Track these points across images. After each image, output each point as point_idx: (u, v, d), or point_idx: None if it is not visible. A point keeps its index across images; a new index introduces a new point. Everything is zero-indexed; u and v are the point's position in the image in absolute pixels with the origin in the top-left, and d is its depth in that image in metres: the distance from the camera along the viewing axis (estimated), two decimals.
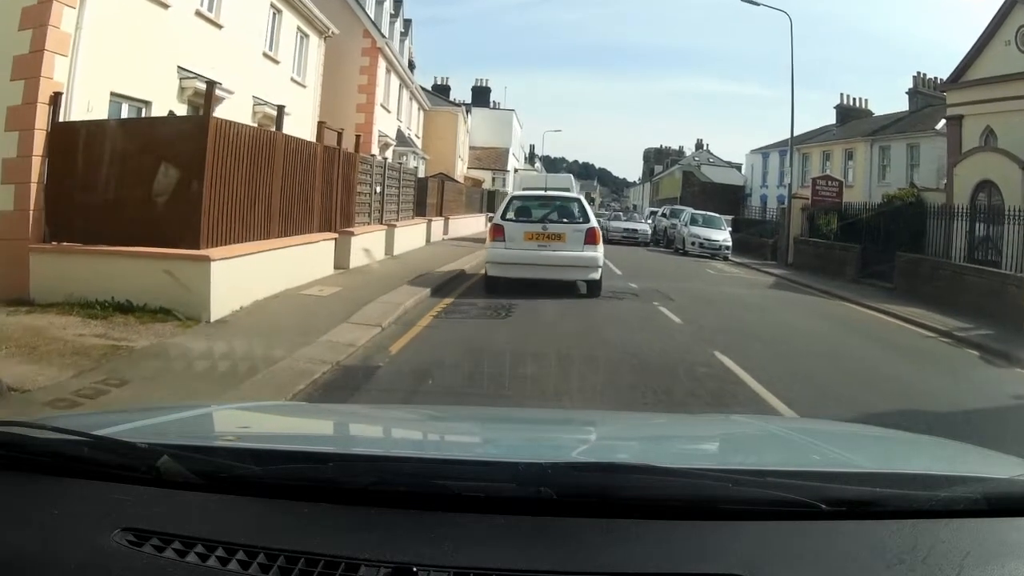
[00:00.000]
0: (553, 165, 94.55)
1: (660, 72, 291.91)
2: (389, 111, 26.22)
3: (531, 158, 72.64)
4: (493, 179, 46.80)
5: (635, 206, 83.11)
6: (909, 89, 35.64)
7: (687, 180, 52.37)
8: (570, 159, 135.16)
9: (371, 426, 2.20)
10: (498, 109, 50.90)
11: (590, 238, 11.40)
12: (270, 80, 16.59)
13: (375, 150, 22.76)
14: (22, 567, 1.07)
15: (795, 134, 29.77)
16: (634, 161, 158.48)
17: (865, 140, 34.65)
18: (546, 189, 16.29)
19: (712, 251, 25.56)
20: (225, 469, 1.24)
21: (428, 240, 20.24)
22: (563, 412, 4.01)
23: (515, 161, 55.89)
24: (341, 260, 12.24)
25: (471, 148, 47.77)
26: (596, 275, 11.43)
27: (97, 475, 1.26)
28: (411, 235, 17.80)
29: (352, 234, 12.62)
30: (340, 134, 12.55)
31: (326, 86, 20.56)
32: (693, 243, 26.14)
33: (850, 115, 40.34)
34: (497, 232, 11.51)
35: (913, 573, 1.10)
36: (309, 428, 2.06)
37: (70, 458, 1.28)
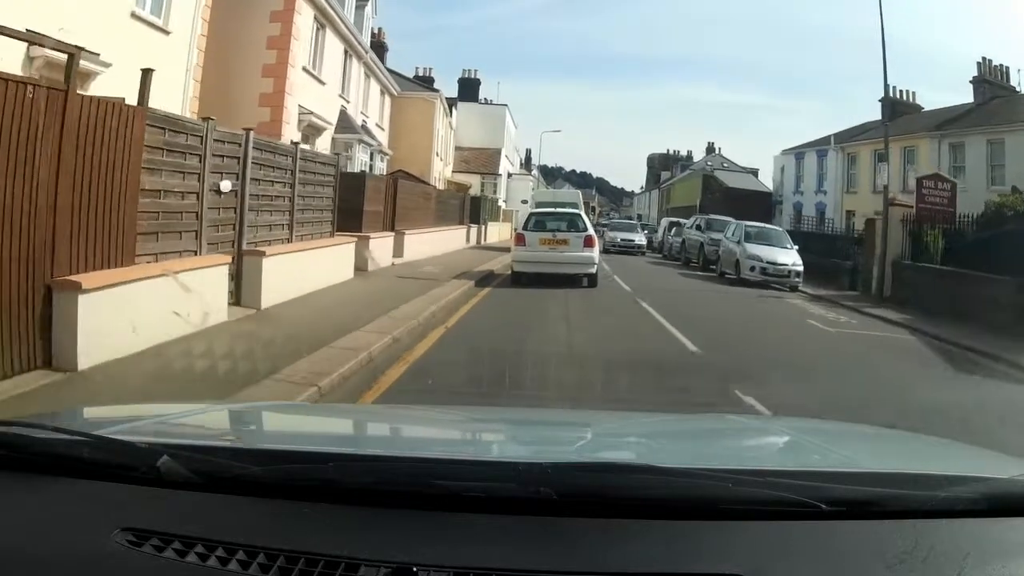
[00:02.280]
0: (551, 174, 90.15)
1: (657, 81, 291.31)
2: (323, 82, 18.92)
3: (527, 163, 64.86)
4: (483, 184, 39.72)
5: (640, 216, 75.42)
6: (974, 77, 31.16)
7: (707, 185, 45.62)
8: (567, 168, 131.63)
9: (371, 426, 2.20)
10: (489, 104, 42.74)
11: (587, 242, 15.84)
12: (80, 10, 10.80)
13: (292, 133, 15.11)
14: (22, 567, 1.12)
15: (832, 131, 22.41)
16: (631, 170, 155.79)
17: (931, 136, 30.30)
18: (555, 206, 20.96)
19: (779, 279, 20.14)
20: (225, 469, 1.30)
21: (364, 266, 14.76)
22: (563, 412, 3.90)
23: (508, 165, 48.98)
24: (61, 350, 5.70)
25: (457, 149, 41.18)
26: (593, 270, 15.88)
27: (97, 475, 1.32)
28: (313, 266, 11.59)
29: (78, 290, 5.84)
30: (73, 56, 6.20)
31: (216, 38, 12.80)
32: (752, 267, 20.37)
33: (898, 109, 34.65)
34: (520, 239, 16.12)
35: (914, 573, 1.13)
36: (309, 428, 2.06)
37: (70, 458, 1.34)
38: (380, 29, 32.09)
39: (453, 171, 43.38)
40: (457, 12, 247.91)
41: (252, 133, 9.76)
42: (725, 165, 60.94)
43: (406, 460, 1.43)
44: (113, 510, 1.21)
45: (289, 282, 10.19)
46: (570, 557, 1.14)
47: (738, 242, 21.18)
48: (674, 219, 36.65)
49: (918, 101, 37.27)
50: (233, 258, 8.88)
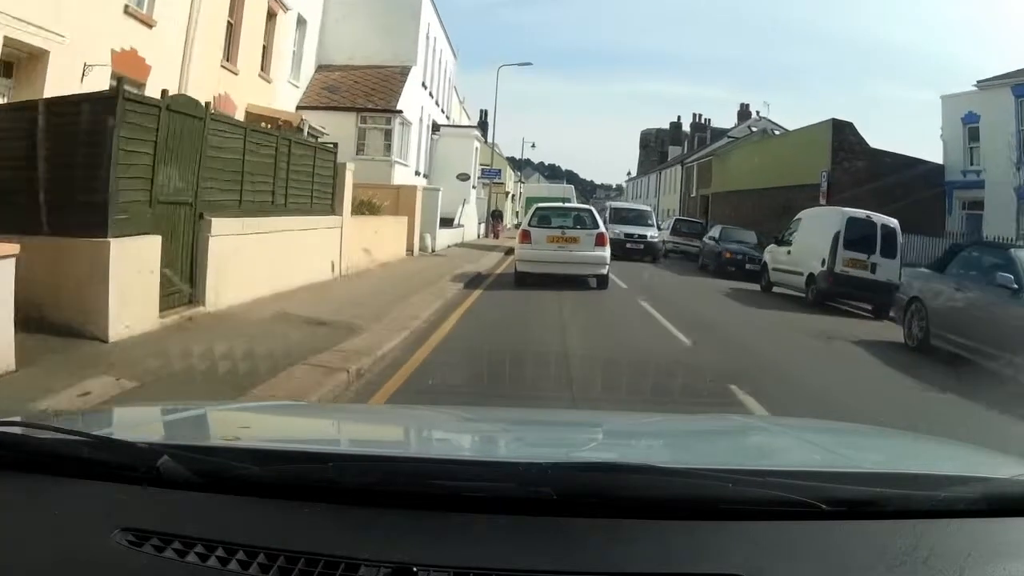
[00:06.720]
0: (518, 166, 79.27)
1: (622, 75, 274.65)
2: None
3: (483, 126, 42.05)
4: (363, 132, 14.91)
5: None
6: None
7: (841, 144, 22.01)
8: (535, 160, 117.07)
9: (371, 426, 2.14)
10: None
11: (599, 241, 14.60)
12: None
13: None
14: (22, 567, 1.09)
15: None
16: (601, 164, 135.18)
17: None
18: (564, 201, 22.65)
19: None
20: (225, 469, 1.27)
21: None
22: (564, 412, 3.87)
23: (431, 105, 25.41)
24: None
25: (322, 68, 16.16)
26: (604, 271, 14.66)
27: (97, 475, 1.29)
28: None
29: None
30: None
31: None
32: None
33: None
34: (525, 237, 14.74)
35: (915, 574, 1.11)
36: (309, 428, 2.01)
37: (70, 458, 1.30)
38: None
39: (301, 105, 21.07)
40: None
41: None
42: (777, 133, 39.42)
43: (406, 460, 1.42)
44: (113, 510, 1.19)
45: None
46: (570, 557, 1.12)
47: None
48: (855, 213, 14.17)
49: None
50: None
